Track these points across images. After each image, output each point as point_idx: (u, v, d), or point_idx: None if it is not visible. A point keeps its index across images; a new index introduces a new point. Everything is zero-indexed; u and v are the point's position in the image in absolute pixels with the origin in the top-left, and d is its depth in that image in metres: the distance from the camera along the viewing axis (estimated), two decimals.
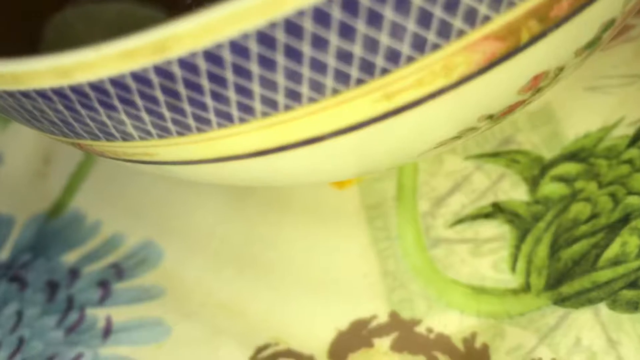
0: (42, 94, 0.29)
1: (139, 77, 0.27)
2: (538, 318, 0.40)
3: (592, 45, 0.33)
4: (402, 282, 0.44)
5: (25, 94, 0.29)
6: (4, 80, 0.29)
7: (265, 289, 0.47)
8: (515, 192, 0.45)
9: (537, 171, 0.45)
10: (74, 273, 0.52)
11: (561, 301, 0.40)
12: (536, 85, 0.33)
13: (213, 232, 0.51)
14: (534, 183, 0.45)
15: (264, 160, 0.32)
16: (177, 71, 0.26)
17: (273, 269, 0.48)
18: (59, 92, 0.28)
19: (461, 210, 0.46)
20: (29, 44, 0.47)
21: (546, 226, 0.43)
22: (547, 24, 0.29)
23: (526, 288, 0.41)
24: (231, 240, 0.50)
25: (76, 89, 0.28)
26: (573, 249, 0.41)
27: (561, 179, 0.44)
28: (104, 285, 0.50)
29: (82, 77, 0.27)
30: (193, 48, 0.25)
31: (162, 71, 0.26)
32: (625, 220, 0.41)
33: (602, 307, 0.39)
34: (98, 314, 0.49)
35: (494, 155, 0.46)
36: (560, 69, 0.34)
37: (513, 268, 0.42)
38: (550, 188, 0.44)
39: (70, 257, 0.53)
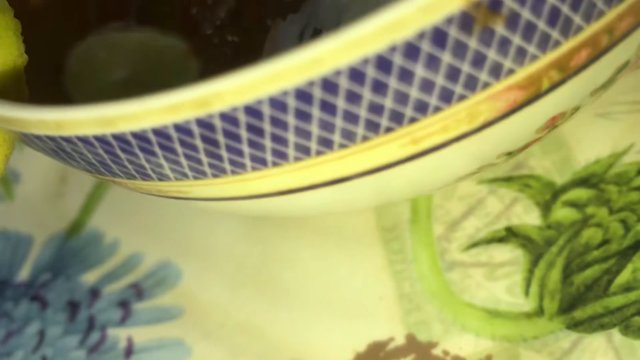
0: (83, 139, 0.31)
1: (181, 128, 0.29)
2: (552, 342, 0.42)
3: (607, 85, 0.35)
4: (418, 304, 0.46)
5: (66, 139, 0.31)
6: (47, 126, 0.31)
7: (283, 311, 0.49)
8: (528, 216, 0.47)
9: (549, 196, 0.47)
10: (94, 293, 0.53)
11: (574, 326, 0.42)
12: (553, 124, 0.35)
13: (231, 252, 0.52)
14: (546, 208, 0.47)
15: (291, 197, 0.34)
16: (217, 123, 0.28)
17: (290, 290, 0.50)
18: (101, 139, 0.30)
19: (475, 233, 0.47)
20: (53, 72, 0.49)
21: (558, 251, 0.45)
22: (567, 72, 0.31)
23: (539, 312, 0.43)
24: (249, 260, 0.52)
25: (118, 137, 0.30)
26: (585, 274, 0.43)
27: (572, 204, 0.46)
28: (124, 305, 0.52)
29: (126, 127, 0.29)
30: (234, 104, 0.27)
31: (204, 123, 0.28)
32: (636, 247, 0.43)
33: (615, 333, 0.41)
34: (119, 334, 0.51)
35: (507, 179, 0.48)
36: (576, 109, 0.36)
37: (526, 292, 0.44)
38: (562, 213, 0.46)
39: (89, 277, 0.54)
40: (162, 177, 0.33)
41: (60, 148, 0.33)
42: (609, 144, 0.47)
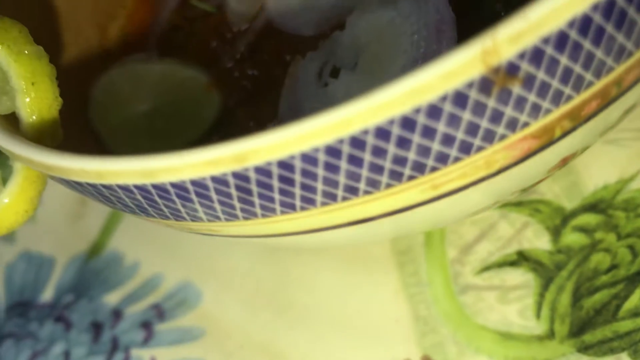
0: (123, 187, 0.33)
1: (217, 179, 0.31)
2: None
3: (615, 125, 0.38)
4: (433, 327, 0.49)
5: (106, 187, 0.34)
6: (89, 175, 0.33)
7: (302, 333, 0.51)
8: (538, 240, 0.49)
9: (558, 221, 0.49)
10: (117, 314, 0.56)
11: (584, 349, 0.45)
12: (565, 163, 0.38)
13: (249, 274, 0.55)
14: (556, 232, 0.49)
15: (315, 235, 0.37)
16: (252, 175, 0.31)
17: (308, 312, 0.52)
18: (140, 187, 0.33)
19: (488, 257, 0.50)
20: (77, 102, 0.51)
21: (568, 275, 0.47)
22: (578, 120, 0.33)
23: (550, 335, 0.46)
24: (267, 282, 0.54)
25: (158, 186, 0.32)
26: (594, 299, 0.46)
27: (582, 229, 0.49)
28: (146, 326, 0.55)
29: (166, 178, 0.31)
30: (269, 159, 0.30)
31: (239, 175, 0.31)
32: None
33: (624, 357, 0.43)
34: (143, 355, 0.54)
35: (518, 204, 0.51)
36: (586, 148, 0.38)
37: (538, 315, 0.47)
38: (572, 238, 0.48)
39: (112, 298, 0.57)
40: (195, 219, 0.35)
41: (98, 192, 0.35)
42: (617, 170, 0.50)
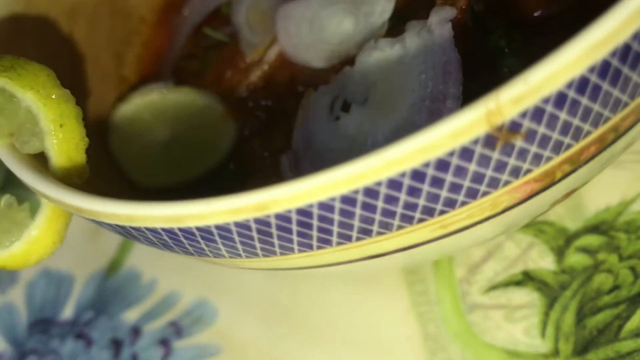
0: (151, 229, 0.36)
1: (240, 224, 0.34)
2: None
3: (614, 160, 0.41)
4: (442, 345, 0.52)
5: (135, 228, 0.37)
6: (118, 219, 0.36)
7: (315, 350, 0.54)
8: (543, 260, 0.52)
9: (562, 242, 0.52)
10: (135, 331, 0.59)
11: None
12: (567, 196, 0.41)
13: (264, 292, 0.58)
14: (560, 253, 0.52)
15: (329, 268, 0.40)
16: (272, 221, 0.34)
17: (321, 330, 0.55)
18: (168, 230, 0.36)
19: (494, 277, 0.53)
20: (97, 129, 0.54)
21: (572, 295, 0.50)
22: (578, 163, 0.36)
23: (555, 353, 0.49)
24: (281, 300, 0.57)
25: (184, 230, 0.35)
26: (597, 319, 0.49)
27: (585, 250, 0.51)
28: (164, 343, 0.58)
29: (192, 223, 0.34)
30: (288, 207, 0.33)
31: (260, 221, 0.34)
32: None
33: None
34: None
35: (523, 225, 0.54)
36: (586, 183, 0.41)
37: (543, 334, 0.50)
38: (575, 258, 0.51)
39: (130, 315, 0.60)
40: (218, 256, 0.38)
41: (126, 231, 0.38)
42: (618, 192, 0.52)
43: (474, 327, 0.52)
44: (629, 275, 0.49)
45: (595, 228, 0.52)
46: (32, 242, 0.44)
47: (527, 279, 0.52)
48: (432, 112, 0.41)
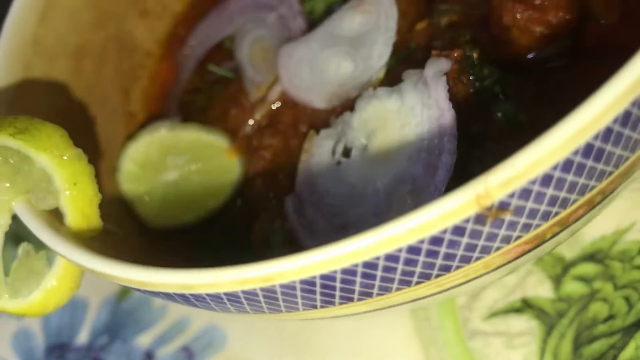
0: (165, 293, 0.39)
1: (247, 292, 0.37)
2: None
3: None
4: None
5: (149, 292, 0.40)
6: (132, 283, 0.39)
7: None
8: (541, 288, 0.55)
9: (559, 270, 0.55)
10: (149, 356, 0.62)
11: None
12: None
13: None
14: (557, 281, 0.55)
15: (334, 319, 0.43)
16: (278, 289, 0.36)
17: (327, 354, 0.58)
18: (180, 295, 0.39)
19: (494, 304, 0.55)
20: (107, 168, 0.56)
21: (569, 323, 0.53)
22: (567, 224, 0.38)
23: None
24: (287, 325, 0.60)
25: (196, 295, 0.38)
26: (593, 347, 0.52)
27: (581, 278, 0.54)
28: None
29: (203, 290, 0.37)
30: (293, 279, 0.35)
31: (266, 289, 0.37)
32: (637, 324, 0.51)
33: None
34: None
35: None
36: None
37: None
38: (572, 287, 0.54)
39: (144, 340, 0.63)
40: (226, 311, 0.41)
41: (139, 290, 0.41)
42: (613, 221, 0.55)
43: (474, 354, 0.54)
44: (624, 305, 0.52)
45: (591, 256, 0.54)
46: (50, 291, 0.46)
47: (525, 306, 0.54)
48: (428, 165, 0.44)
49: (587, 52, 0.48)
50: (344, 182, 0.48)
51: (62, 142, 0.44)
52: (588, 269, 0.54)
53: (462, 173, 0.44)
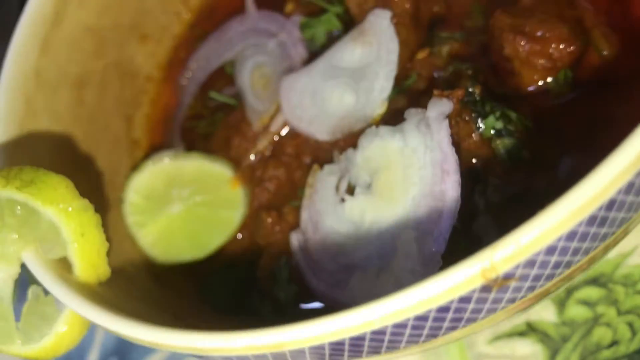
0: (177, 353, 0.40)
1: (258, 356, 0.38)
2: None
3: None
4: None
5: (157, 349, 0.40)
6: (142, 341, 0.40)
7: None
8: (545, 312, 0.56)
9: (563, 293, 0.56)
10: None
11: None
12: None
13: None
14: (561, 304, 0.55)
15: None
16: (287, 353, 0.37)
17: None
18: (192, 355, 0.39)
19: (498, 327, 0.56)
20: (112, 202, 0.57)
21: (573, 347, 0.54)
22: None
23: None
24: None
25: (206, 358, 0.39)
26: None
27: (584, 302, 0.55)
28: None
29: (214, 354, 0.38)
30: (302, 347, 0.36)
31: (276, 354, 0.37)
32: None
33: None
34: None
35: None
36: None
37: None
38: (575, 311, 0.55)
39: None
40: None
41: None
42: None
43: None
44: (627, 331, 0.53)
45: (594, 280, 0.55)
46: (61, 336, 0.47)
47: (529, 330, 0.55)
48: (431, 210, 0.44)
49: (588, 84, 0.49)
50: (348, 221, 0.48)
51: (67, 194, 0.45)
52: (591, 292, 0.55)
53: (466, 206, 0.45)
